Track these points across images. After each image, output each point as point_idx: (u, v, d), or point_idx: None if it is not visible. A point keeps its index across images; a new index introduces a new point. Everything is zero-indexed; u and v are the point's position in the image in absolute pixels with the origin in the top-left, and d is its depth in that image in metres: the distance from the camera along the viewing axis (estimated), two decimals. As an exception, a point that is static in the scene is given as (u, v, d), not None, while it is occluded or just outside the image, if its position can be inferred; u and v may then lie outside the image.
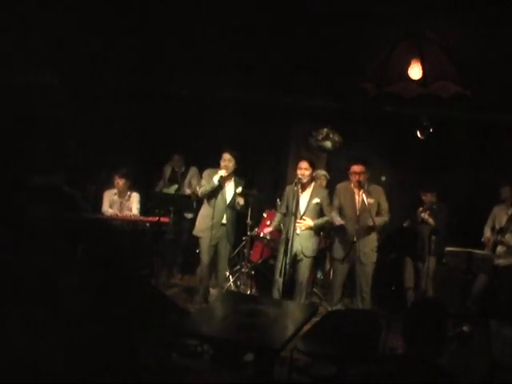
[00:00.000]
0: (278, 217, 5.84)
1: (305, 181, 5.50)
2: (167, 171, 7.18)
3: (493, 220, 5.88)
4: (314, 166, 5.66)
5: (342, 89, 6.02)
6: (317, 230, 5.64)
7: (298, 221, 5.45)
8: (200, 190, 5.73)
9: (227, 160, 5.64)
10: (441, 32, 4.21)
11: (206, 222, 5.71)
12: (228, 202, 5.75)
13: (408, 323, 2.32)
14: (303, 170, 5.50)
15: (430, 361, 2.21)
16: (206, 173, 5.81)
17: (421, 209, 5.77)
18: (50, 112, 6.50)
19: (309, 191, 5.59)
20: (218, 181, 5.58)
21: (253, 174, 7.57)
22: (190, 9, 4.88)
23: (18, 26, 5.26)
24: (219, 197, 5.69)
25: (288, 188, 5.76)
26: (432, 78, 4.08)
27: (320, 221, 5.58)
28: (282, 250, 5.47)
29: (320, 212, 5.60)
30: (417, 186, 6.28)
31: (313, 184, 5.66)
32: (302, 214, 5.50)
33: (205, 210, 5.78)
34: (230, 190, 5.78)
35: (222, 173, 5.58)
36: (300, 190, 5.51)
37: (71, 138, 6.90)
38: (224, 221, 5.72)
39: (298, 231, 5.47)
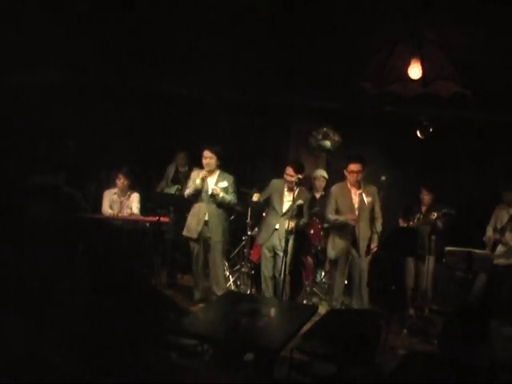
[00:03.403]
0: (255, 196, 5.85)
1: (292, 185, 5.59)
2: (171, 171, 7.13)
3: (495, 220, 5.88)
4: (301, 169, 5.70)
5: (342, 89, 6.02)
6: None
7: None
8: (186, 192, 5.79)
9: (208, 157, 5.68)
10: (440, 32, 4.21)
11: (191, 220, 5.78)
12: (209, 197, 5.73)
13: (450, 326, 2.35)
14: (289, 176, 5.59)
15: (465, 361, 2.24)
16: (192, 174, 5.87)
17: (435, 214, 5.72)
18: (50, 112, 6.49)
19: (294, 193, 5.63)
20: (201, 180, 5.63)
21: (253, 173, 7.57)
22: (191, 9, 4.88)
23: (18, 25, 5.26)
24: (203, 194, 5.74)
25: (273, 182, 5.80)
26: (431, 77, 4.08)
27: (299, 224, 5.66)
28: (263, 242, 5.69)
29: (301, 213, 5.67)
30: (417, 186, 6.27)
31: (299, 187, 5.69)
32: (283, 213, 5.61)
33: (192, 209, 5.84)
34: (211, 185, 5.74)
35: (204, 174, 5.64)
36: (287, 192, 5.66)
37: (71, 138, 6.89)
38: (206, 217, 5.72)
39: (276, 226, 5.57)
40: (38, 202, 6.17)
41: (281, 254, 5.56)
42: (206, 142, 5.79)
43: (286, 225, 5.49)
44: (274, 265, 5.71)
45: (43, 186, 6.30)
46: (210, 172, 5.75)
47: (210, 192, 5.69)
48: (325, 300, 6.27)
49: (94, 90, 6.84)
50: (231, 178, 5.84)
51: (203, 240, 5.77)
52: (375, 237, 5.58)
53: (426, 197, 5.91)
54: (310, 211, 5.82)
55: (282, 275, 5.33)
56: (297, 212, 5.59)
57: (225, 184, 5.76)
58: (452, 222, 5.76)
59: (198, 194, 5.73)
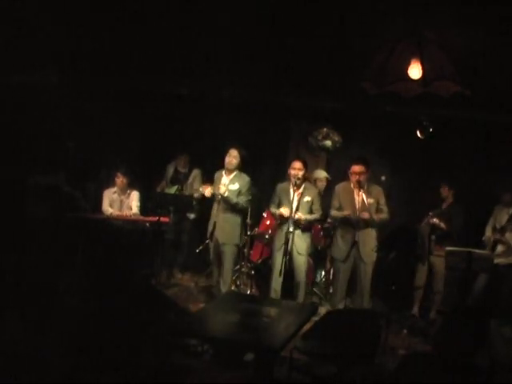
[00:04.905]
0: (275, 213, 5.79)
1: (299, 181, 5.53)
2: (170, 170, 7.13)
3: (494, 220, 5.88)
4: (307, 166, 5.69)
5: (342, 89, 6.02)
6: (306, 227, 5.64)
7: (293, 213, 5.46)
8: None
9: (232, 156, 5.60)
10: (440, 32, 4.22)
11: (210, 221, 5.74)
12: (220, 199, 5.59)
13: (450, 326, 2.37)
14: (297, 170, 5.54)
15: (463, 360, 2.25)
16: (216, 174, 5.79)
17: (431, 213, 5.70)
18: (50, 112, 6.49)
19: (300, 189, 5.61)
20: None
21: (252, 173, 7.57)
22: (191, 8, 4.88)
23: (18, 25, 5.26)
24: (216, 195, 5.66)
25: (279, 186, 5.77)
26: (431, 77, 4.09)
27: (309, 217, 5.57)
28: (278, 248, 5.55)
29: (310, 209, 5.62)
30: (416, 185, 6.27)
31: (304, 183, 5.67)
32: (294, 211, 5.50)
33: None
34: (224, 185, 5.63)
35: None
36: (294, 189, 5.58)
37: (71, 138, 6.89)
38: (215, 219, 5.63)
39: (291, 229, 5.48)
40: (38, 201, 6.17)
41: (299, 256, 5.54)
42: (234, 141, 5.72)
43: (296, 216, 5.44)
44: (293, 269, 5.60)
45: (43, 186, 6.30)
46: (229, 171, 5.66)
47: (220, 197, 5.57)
48: (325, 300, 6.27)
49: (93, 90, 6.83)
50: (245, 180, 5.65)
51: (215, 240, 5.67)
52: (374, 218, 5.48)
53: (444, 192, 5.90)
54: (321, 205, 5.69)
55: (282, 275, 5.32)
56: (306, 209, 5.56)
57: (235, 186, 5.58)
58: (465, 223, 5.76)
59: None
